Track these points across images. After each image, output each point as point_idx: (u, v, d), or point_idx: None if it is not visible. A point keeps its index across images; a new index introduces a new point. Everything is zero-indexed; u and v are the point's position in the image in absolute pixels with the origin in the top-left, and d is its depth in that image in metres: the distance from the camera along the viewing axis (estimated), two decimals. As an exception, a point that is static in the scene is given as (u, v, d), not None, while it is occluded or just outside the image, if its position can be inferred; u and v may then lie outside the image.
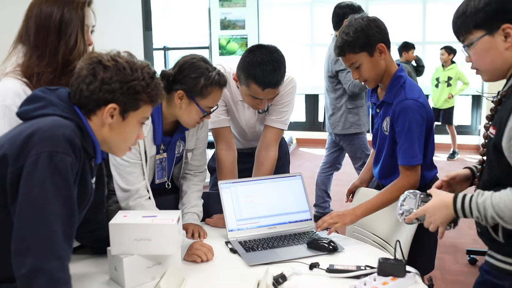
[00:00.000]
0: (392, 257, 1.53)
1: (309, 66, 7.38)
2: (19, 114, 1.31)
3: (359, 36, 1.85)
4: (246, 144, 2.46)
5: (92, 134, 1.33)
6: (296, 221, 2.00)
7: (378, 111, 2.02)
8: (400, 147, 1.87)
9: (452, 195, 1.37)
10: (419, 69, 6.18)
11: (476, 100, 7.13)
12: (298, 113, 7.67)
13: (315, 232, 1.95)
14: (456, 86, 6.52)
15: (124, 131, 1.37)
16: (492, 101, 1.41)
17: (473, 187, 1.52)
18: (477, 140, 7.12)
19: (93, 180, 1.45)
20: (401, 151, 1.87)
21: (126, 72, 1.31)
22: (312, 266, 1.64)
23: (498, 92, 1.40)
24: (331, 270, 1.59)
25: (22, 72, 1.58)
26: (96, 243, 1.69)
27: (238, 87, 2.18)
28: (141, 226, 1.50)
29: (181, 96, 1.82)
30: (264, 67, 1.97)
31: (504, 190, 1.26)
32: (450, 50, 6.40)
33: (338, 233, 1.96)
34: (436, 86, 6.58)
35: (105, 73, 1.30)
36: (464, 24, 1.36)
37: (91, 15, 1.66)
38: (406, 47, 6.04)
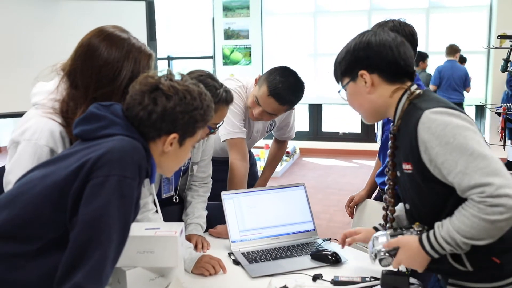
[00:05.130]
0: (395, 269, 1.52)
1: (312, 76, 7.39)
2: (80, 134, 1.27)
3: None
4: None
5: (152, 156, 1.30)
6: (299, 232, 2.00)
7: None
8: None
9: (416, 240, 1.32)
10: None
11: (480, 110, 7.12)
12: (302, 123, 7.67)
13: (318, 243, 1.94)
14: None
15: (180, 156, 1.36)
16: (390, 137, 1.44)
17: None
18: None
19: None
20: None
21: (187, 102, 1.28)
22: (316, 277, 1.63)
23: (390, 132, 1.43)
24: (336, 282, 1.59)
25: (60, 109, 1.44)
26: None
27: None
28: (144, 239, 1.49)
29: None
30: (286, 79, 2.11)
31: (457, 212, 1.23)
32: None
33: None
34: None
35: (167, 102, 1.26)
36: (336, 72, 1.48)
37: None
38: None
